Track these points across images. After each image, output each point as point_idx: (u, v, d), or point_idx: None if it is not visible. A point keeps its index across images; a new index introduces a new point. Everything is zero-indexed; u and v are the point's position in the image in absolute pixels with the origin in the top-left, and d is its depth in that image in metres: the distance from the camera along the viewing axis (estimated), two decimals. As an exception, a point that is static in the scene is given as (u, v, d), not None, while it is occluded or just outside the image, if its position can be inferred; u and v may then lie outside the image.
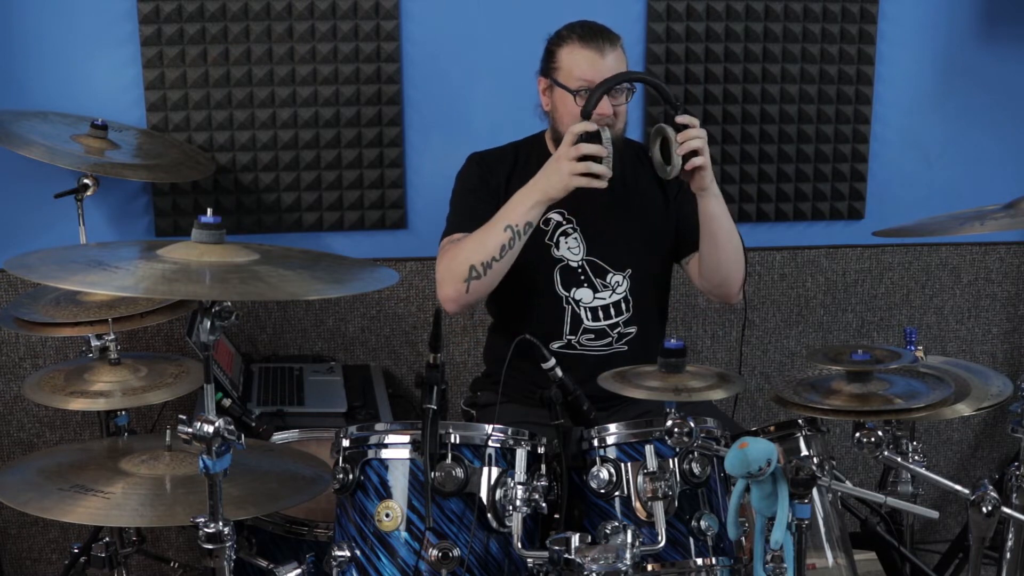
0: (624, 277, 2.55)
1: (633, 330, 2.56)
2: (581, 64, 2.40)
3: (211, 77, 2.96)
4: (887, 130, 3.31)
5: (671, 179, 2.38)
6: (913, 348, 2.55)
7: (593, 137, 2.31)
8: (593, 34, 2.42)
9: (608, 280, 2.55)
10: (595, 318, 2.54)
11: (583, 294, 2.54)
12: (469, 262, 2.38)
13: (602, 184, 2.32)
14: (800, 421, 2.22)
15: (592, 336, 2.54)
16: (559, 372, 2.09)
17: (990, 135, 3.36)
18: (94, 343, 2.38)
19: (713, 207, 2.43)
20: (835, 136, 3.27)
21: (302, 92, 3.00)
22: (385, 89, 3.04)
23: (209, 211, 1.83)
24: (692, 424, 1.96)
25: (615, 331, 2.55)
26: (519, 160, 2.57)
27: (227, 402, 2.55)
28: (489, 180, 2.54)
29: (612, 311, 2.55)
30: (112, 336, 2.35)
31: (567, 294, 2.53)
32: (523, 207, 2.36)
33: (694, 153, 2.33)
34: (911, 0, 3.23)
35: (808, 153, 3.26)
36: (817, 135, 3.25)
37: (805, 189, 3.29)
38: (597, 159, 2.30)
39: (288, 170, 3.05)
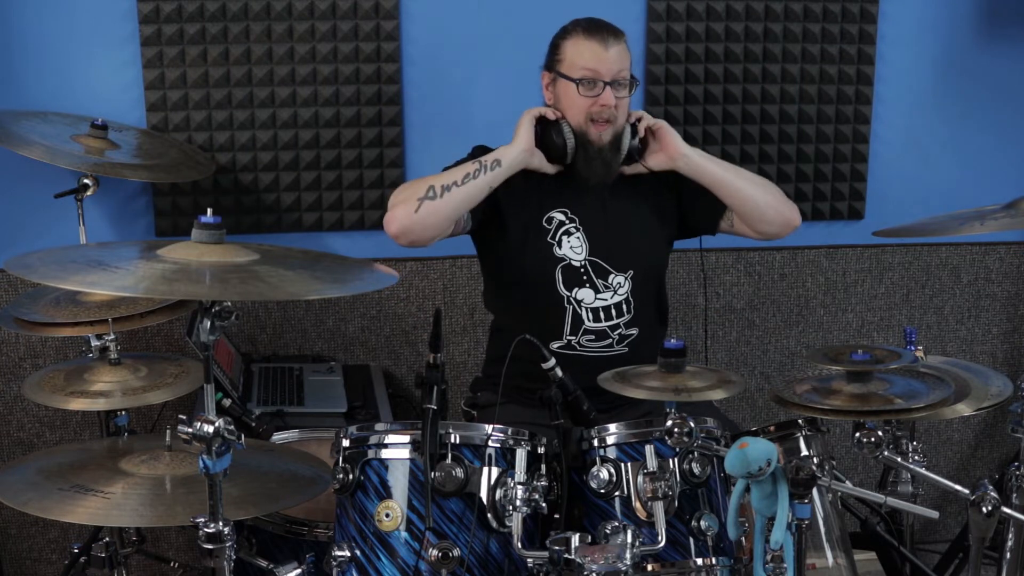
0: (626, 278, 2.56)
1: (634, 332, 2.56)
2: (584, 54, 2.43)
3: (211, 77, 2.95)
4: (887, 130, 3.31)
5: (642, 160, 2.55)
6: (913, 348, 2.55)
7: (552, 125, 2.49)
8: (597, 27, 2.46)
9: (610, 281, 2.55)
10: (596, 319, 2.54)
11: (585, 294, 2.54)
12: (429, 183, 2.42)
13: (548, 170, 2.51)
14: (800, 421, 2.22)
15: (592, 337, 2.54)
16: (559, 372, 2.09)
17: (990, 135, 3.36)
18: (94, 343, 2.38)
19: (705, 169, 2.52)
20: (835, 136, 3.26)
21: (302, 92, 3.00)
22: (385, 89, 3.04)
23: (209, 211, 1.83)
24: (692, 424, 1.96)
25: (615, 332, 2.55)
26: None
27: (227, 402, 2.54)
28: None
29: (613, 312, 2.55)
30: (112, 336, 2.35)
31: (569, 294, 2.53)
32: (494, 155, 2.47)
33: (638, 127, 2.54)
34: (911, 0, 3.23)
35: (808, 153, 3.26)
36: (817, 135, 3.25)
37: (805, 189, 3.29)
38: (558, 141, 2.47)
39: (288, 170, 3.05)
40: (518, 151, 2.47)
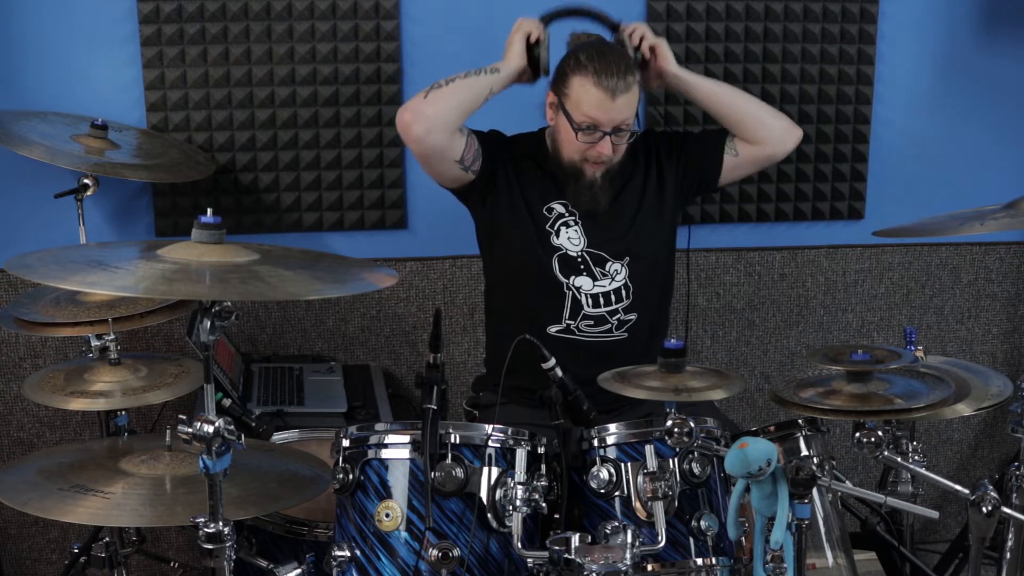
0: (622, 265, 2.56)
1: (633, 317, 2.57)
2: (591, 100, 2.40)
3: (211, 77, 2.96)
4: (887, 130, 3.31)
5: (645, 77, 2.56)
6: (913, 348, 2.55)
7: (533, 46, 2.52)
8: (608, 73, 2.38)
9: (607, 268, 2.56)
10: (595, 304, 2.55)
11: (583, 282, 2.55)
12: (436, 80, 2.49)
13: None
14: (800, 421, 2.22)
15: (591, 322, 2.55)
16: (559, 372, 2.09)
17: (990, 135, 3.36)
18: (94, 343, 2.38)
19: (696, 83, 2.59)
20: (835, 136, 3.26)
21: (302, 92, 3.00)
22: (385, 89, 3.04)
23: (209, 211, 1.83)
24: (692, 424, 1.96)
25: (614, 317, 2.55)
26: (518, 149, 2.61)
27: (227, 402, 2.54)
28: (487, 140, 2.59)
29: (612, 298, 2.56)
30: (112, 336, 2.35)
31: (567, 281, 2.54)
32: (492, 65, 2.51)
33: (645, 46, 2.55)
34: (911, 0, 3.23)
35: (808, 153, 3.26)
36: (817, 135, 3.25)
37: (805, 189, 3.29)
38: (537, 55, 2.52)
39: (288, 170, 3.05)
40: (514, 63, 2.50)
